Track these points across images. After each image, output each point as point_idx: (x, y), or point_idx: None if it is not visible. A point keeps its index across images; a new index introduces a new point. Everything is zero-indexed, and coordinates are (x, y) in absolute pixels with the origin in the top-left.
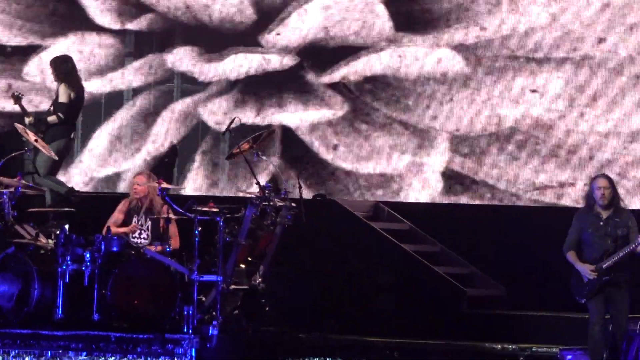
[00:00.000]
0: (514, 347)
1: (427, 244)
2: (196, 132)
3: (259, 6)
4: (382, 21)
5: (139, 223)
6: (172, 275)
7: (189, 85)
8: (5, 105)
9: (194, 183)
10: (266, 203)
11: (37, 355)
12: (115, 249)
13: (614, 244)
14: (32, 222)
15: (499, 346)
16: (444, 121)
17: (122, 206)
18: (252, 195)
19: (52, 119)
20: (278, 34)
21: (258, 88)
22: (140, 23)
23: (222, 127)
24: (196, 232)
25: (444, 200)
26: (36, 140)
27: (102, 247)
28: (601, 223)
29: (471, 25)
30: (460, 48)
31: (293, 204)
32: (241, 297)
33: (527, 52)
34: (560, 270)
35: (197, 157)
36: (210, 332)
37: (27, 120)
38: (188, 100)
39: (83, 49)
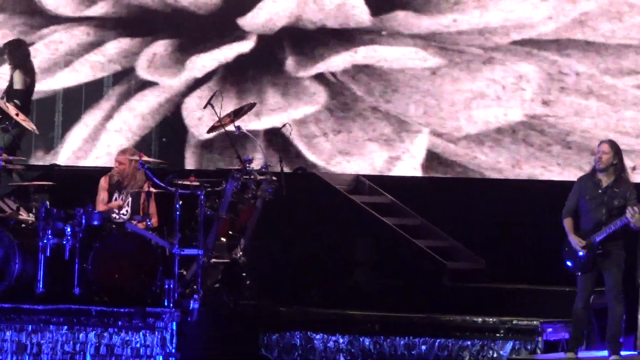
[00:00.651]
0: (494, 320)
1: (408, 218)
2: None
3: None
4: (360, 10)
5: (121, 198)
6: (153, 249)
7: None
8: None
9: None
10: (247, 176)
11: (18, 329)
12: (96, 223)
13: (608, 214)
14: (12, 197)
15: (480, 319)
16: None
17: (104, 183)
18: (233, 169)
19: (10, 106)
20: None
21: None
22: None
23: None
24: (177, 205)
25: (425, 173)
26: (17, 115)
27: (83, 221)
28: (599, 191)
29: (450, 14)
30: (439, 38)
31: (274, 178)
32: (222, 270)
33: (508, 42)
34: (541, 244)
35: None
36: (191, 305)
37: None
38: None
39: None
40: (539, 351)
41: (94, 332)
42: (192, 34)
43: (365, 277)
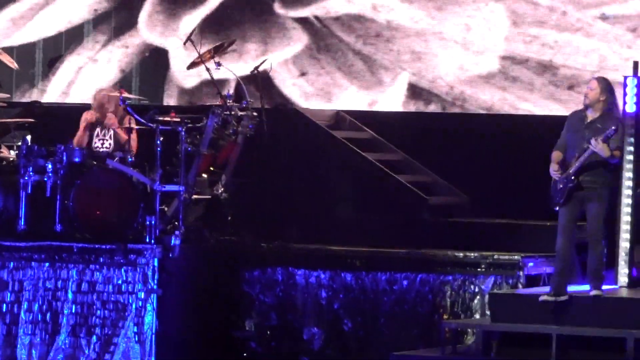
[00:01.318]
0: (475, 254)
1: (389, 153)
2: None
3: None
4: None
5: (102, 134)
6: (134, 185)
7: None
8: None
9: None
10: (228, 112)
11: (0, 266)
12: (77, 159)
13: (587, 148)
14: None
15: (461, 254)
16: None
17: (85, 116)
18: (214, 105)
19: None
20: None
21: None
22: None
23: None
24: (158, 142)
25: (406, 108)
26: None
27: (64, 158)
28: (583, 126)
29: None
30: None
31: (255, 113)
32: (203, 206)
33: None
34: (523, 178)
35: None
36: (172, 242)
37: None
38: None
39: None
40: (520, 286)
41: (75, 268)
42: None
43: (346, 212)
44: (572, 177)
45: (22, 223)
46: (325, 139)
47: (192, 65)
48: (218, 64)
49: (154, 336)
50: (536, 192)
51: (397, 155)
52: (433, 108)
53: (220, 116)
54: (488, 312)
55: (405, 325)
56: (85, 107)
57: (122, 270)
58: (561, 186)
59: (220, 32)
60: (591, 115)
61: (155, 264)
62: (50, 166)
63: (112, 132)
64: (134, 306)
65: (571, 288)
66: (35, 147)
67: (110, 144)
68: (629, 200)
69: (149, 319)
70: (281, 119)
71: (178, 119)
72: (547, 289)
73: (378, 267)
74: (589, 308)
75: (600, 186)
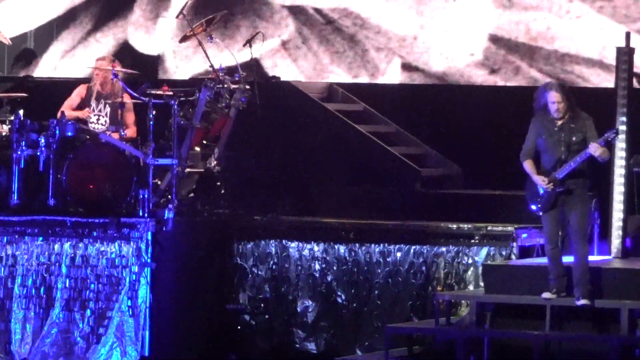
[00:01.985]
0: (469, 226)
1: (381, 125)
2: None
3: None
4: None
5: (98, 109)
6: (127, 159)
7: None
8: None
9: None
10: (220, 86)
11: None
12: (70, 134)
13: (567, 150)
14: None
15: (454, 226)
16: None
17: (80, 90)
18: (206, 78)
19: None
20: None
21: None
22: None
23: None
24: (150, 115)
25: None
26: None
27: (57, 132)
28: (555, 129)
29: None
30: None
31: (247, 87)
32: (196, 180)
33: None
34: (516, 150)
35: None
36: (165, 215)
37: None
38: None
39: None
40: (513, 257)
41: (69, 242)
42: None
43: (339, 185)
44: (561, 182)
45: (15, 197)
46: (318, 111)
47: (185, 38)
48: (210, 37)
49: (147, 309)
50: None
51: (389, 127)
52: (426, 81)
53: (212, 89)
54: (482, 284)
55: (399, 297)
56: (78, 81)
57: (116, 244)
58: (542, 191)
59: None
60: (559, 117)
61: (149, 237)
62: (43, 140)
63: (107, 107)
64: (127, 280)
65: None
66: (28, 121)
67: (105, 121)
68: (622, 171)
69: (143, 292)
70: (273, 92)
71: (171, 93)
72: (540, 260)
73: (371, 239)
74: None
75: (582, 188)
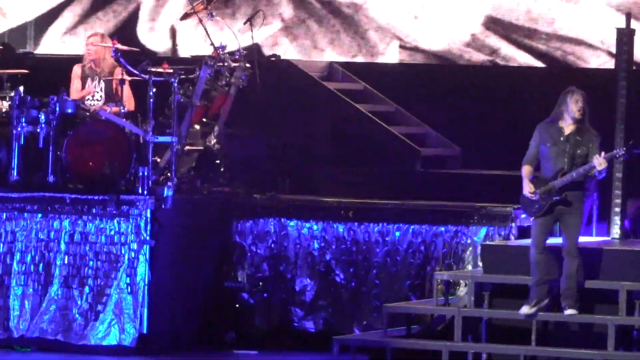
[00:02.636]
0: (468, 206)
1: (382, 104)
2: None
3: None
4: None
5: (94, 85)
6: (126, 136)
7: None
8: None
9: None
10: (220, 64)
11: None
12: (69, 110)
13: (571, 162)
14: None
15: (453, 205)
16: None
17: (76, 70)
18: (207, 56)
19: None
20: None
21: None
22: None
23: None
24: (150, 93)
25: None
26: None
27: (57, 109)
28: (562, 138)
29: None
30: None
31: (247, 65)
32: (196, 157)
33: None
34: (515, 130)
35: None
36: (165, 193)
37: None
38: None
39: None
40: (512, 237)
41: (68, 219)
42: None
43: (338, 163)
44: (558, 191)
45: (15, 174)
46: (318, 90)
47: (185, 16)
48: (211, 15)
49: (146, 287)
50: (526, 143)
51: (389, 106)
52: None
53: (213, 67)
54: (480, 264)
55: (398, 277)
56: (78, 58)
57: (115, 221)
58: (538, 199)
59: None
60: (567, 127)
61: (148, 215)
62: (43, 117)
63: (103, 84)
64: (126, 257)
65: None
66: (28, 98)
67: (101, 96)
68: (622, 152)
69: (142, 270)
70: (273, 70)
71: (171, 70)
72: None
73: (370, 218)
74: (582, 260)
75: (579, 201)
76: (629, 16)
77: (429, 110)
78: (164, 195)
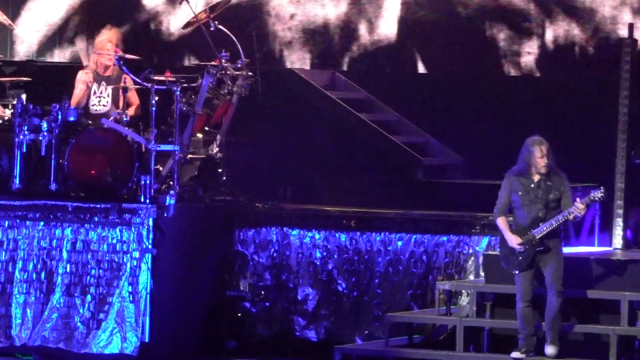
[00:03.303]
0: (470, 215)
1: (384, 113)
2: None
3: None
4: None
5: (100, 91)
6: (129, 144)
7: None
8: None
9: None
10: (223, 72)
11: None
12: (72, 118)
13: (545, 209)
14: None
15: (456, 215)
16: None
17: (82, 77)
18: (209, 64)
19: None
20: None
21: None
22: None
23: None
24: (153, 101)
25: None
26: None
27: (59, 116)
28: (532, 185)
29: None
30: None
31: (250, 73)
32: (198, 166)
33: None
34: (516, 139)
35: None
36: (167, 201)
37: None
38: None
39: None
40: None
41: (70, 227)
42: None
43: (340, 173)
44: (539, 241)
45: (17, 182)
46: (320, 99)
47: (188, 25)
48: (213, 24)
49: (148, 295)
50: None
51: (391, 115)
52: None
53: (215, 76)
54: (482, 273)
55: (400, 286)
56: (81, 65)
57: (117, 229)
58: (520, 250)
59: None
60: (537, 173)
61: (150, 223)
62: (45, 125)
63: (109, 90)
64: (128, 265)
65: (566, 250)
66: (30, 106)
67: (107, 102)
68: (623, 162)
69: (144, 278)
70: (276, 79)
71: (173, 79)
72: None
73: (372, 227)
74: (583, 270)
75: (558, 244)
76: (631, 27)
77: (431, 119)
78: (166, 204)
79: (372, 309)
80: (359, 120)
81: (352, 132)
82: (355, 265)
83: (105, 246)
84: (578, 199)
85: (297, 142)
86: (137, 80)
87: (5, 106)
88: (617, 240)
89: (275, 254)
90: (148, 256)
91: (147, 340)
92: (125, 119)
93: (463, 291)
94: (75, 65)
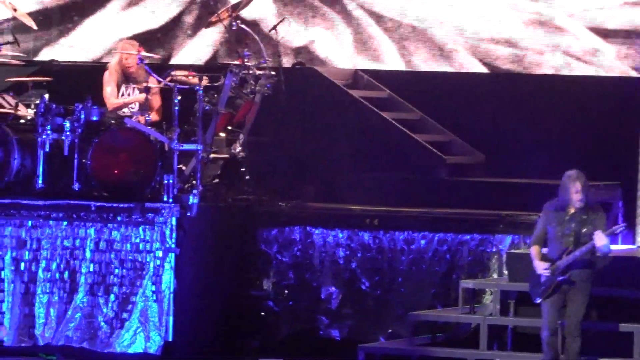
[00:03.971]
0: (493, 214)
1: (407, 112)
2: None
3: None
4: None
5: (127, 93)
6: (152, 144)
7: None
8: None
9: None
10: (246, 71)
11: (18, 224)
12: (95, 118)
13: (576, 241)
14: (11, 92)
15: (479, 213)
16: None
17: (109, 77)
18: (232, 64)
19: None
20: None
21: None
22: None
23: None
24: (176, 101)
25: (423, 67)
26: (15, 10)
27: (82, 116)
28: (566, 218)
29: None
30: None
31: (272, 73)
32: (221, 165)
33: None
34: (540, 137)
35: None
36: (190, 200)
37: None
38: None
39: None
40: None
41: (93, 227)
42: None
43: (363, 172)
44: (563, 271)
45: (40, 181)
46: (343, 97)
47: (210, 24)
48: (236, 23)
49: (171, 295)
50: (553, 150)
51: (414, 114)
52: (450, 68)
53: (238, 75)
54: (505, 272)
55: (423, 285)
56: (104, 64)
57: (140, 229)
58: (544, 278)
59: None
60: (572, 207)
61: (173, 222)
62: (68, 125)
63: (136, 91)
64: (151, 265)
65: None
66: (53, 105)
67: (135, 104)
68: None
69: (167, 277)
70: (299, 78)
71: (196, 79)
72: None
73: (395, 226)
74: (607, 268)
75: (585, 280)
76: None
77: (454, 118)
78: (189, 203)
79: (395, 308)
80: (381, 118)
81: (374, 130)
82: (378, 264)
83: (128, 246)
84: (599, 231)
85: (320, 141)
86: (160, 79)
87: (27, 106)
88: None
89: (298, 253)
90: (171, 255)
91: (170, 339)
92: (147, 117)
93: (486, 290)
94: (97, 65)
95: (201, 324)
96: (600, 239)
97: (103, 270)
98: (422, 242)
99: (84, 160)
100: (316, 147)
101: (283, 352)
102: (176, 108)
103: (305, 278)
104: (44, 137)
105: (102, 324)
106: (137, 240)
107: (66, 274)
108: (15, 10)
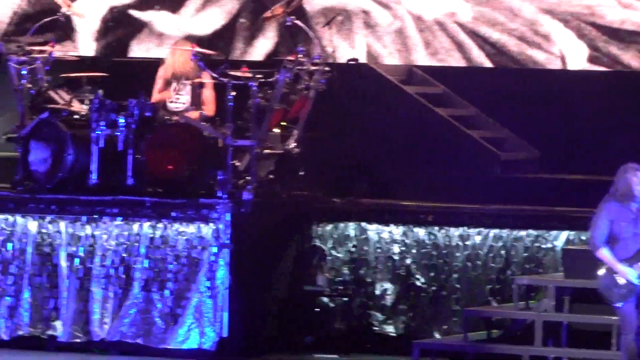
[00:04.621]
0: (548, 210)
1: (461, 108)
2: None
3: None
4: None
5: (179, 88)
6: (205, 140)
7: None
8: None
9: None
10: (299, 67)
11: (73, 220)
12: (148, 113)
13: None
14: (65, 88)
15: (534, 209)
16: None
17: (160, 72)
18: (285, 59)
19: None
20: None
21: None
22: None
23: None
24: (229, 96)
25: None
26: (68, 6)
27: (136, 112)
28: (632, 216)
29: None
30: None
31: (326, 68)
32: (275, 161)
33: None
34: (594, 134)
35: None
36: (244, 196)
37: None
38: None
39: None
40: None
41: (148, 223)
42: None
43: (417, 168)
44: None
45: (95, 177)
46: (397, 94)
47: (265, 19)
48: (289, 18)
49: (226, 291)
50: (607, 147)
51: (468, 110)
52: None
53: (292, 71)
54: (561, 268)
55: (478, 281)
56: (158, 60)
57: (195, 224)
58: (627, 283)
59: None
60: (632, 202)
61: (227, 218)
62: (122, 120)
63: (188, 87)
64: (206, 261)
65: None
66: (108, 101)
67: (187, 99)
68: None
69: (221, 273)
70: (352, 74)
71: (250, 74)
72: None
73: (450, 222)
74: None
75: None
76: None
77: (508, 114)
78: (243, 199)
79: (450, 304)
80: (435, 115)
81: (429, 126)
82: (433, 260)
83: (183, 241)
84: None
85: (374, 137)
86: (214, 75)
87: (81, 101)
88: None
89: (353, 249)
90: (225, 251)
91: (225, 335)
92: (202, 113)
93: (541, 286)
94: (150, 61)
95: (255, 319)
96: None
97: (157, 266)
98: (477, 238)
99: (137, 156)
100: (370, 143)
101: (337, 348)
102: (230, 104)
103: (360, 274)
104: (98, 132)
105: (157, 319)
106: (192, 236)
107: (121, 270)
108: (69, 6)
